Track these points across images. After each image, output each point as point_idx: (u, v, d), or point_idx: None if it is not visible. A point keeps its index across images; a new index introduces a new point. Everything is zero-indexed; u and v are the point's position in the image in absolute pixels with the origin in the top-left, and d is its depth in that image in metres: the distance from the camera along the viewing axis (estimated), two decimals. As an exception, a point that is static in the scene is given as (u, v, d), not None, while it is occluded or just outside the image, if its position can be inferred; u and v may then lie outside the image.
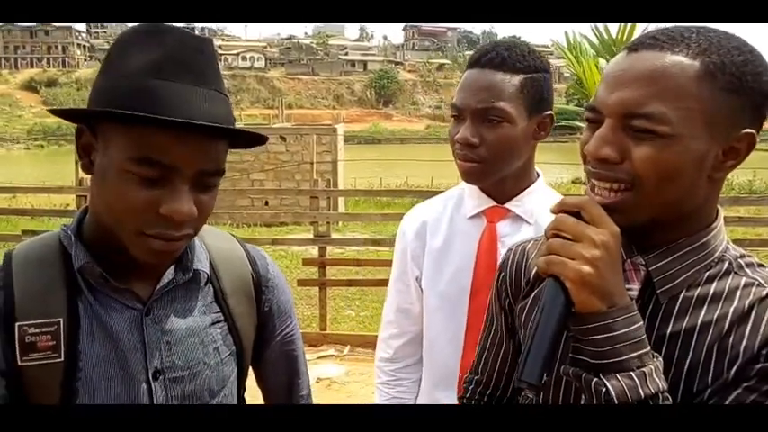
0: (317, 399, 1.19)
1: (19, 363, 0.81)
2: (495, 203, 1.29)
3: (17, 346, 0.82)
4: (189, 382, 0.90)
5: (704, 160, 0.74)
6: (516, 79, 1.20)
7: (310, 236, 5.70)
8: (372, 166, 17.14)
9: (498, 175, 1.24)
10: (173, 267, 0.91)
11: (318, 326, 5.34)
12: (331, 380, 4.49)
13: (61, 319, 0.83)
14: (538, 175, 1.33)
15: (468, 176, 1.25)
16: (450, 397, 1.30)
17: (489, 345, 1.02)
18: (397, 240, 1.42)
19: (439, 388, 1.33)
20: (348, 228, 10.63)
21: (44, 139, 52.60)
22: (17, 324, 0.82)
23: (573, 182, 19.10)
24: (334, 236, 6.29)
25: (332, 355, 4.95)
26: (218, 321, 0.95)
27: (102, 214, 0.84)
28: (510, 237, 1.27)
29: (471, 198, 1.32)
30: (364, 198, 13.49)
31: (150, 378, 0.87)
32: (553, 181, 18.35)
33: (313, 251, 5.91)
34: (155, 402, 0.87)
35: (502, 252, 1.25)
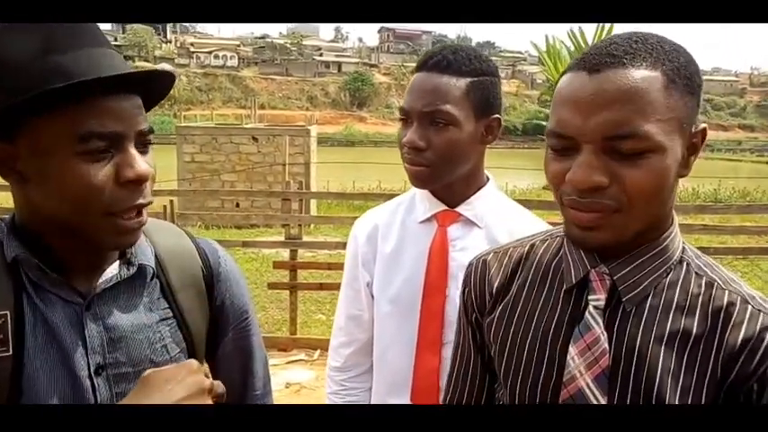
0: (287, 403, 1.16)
1: None
2: (445, 207, 1.29)
3: None
4: (134, 378, 0.86)
5: (678, 165, 0.76)
6: (462, 82, 1.20)
7: (282, 238, 5.65)
8: (345, 169, 17.10)
9: (446, 178, 1.24)
10: (116, 263, 0.88)
11: (289, 330, 5.29)
12: (301, 385, 4.45)
13: (8, 312, 0.80)
14: (488, 179, 1.33)
15: (416, 180, 1.25)
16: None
17: (459, 361, 1.00)
18: (348, 245, 1.41)
19: (392, 395, 1.32)
20: (320, 230, 10.57)
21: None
22: None
23: (544, 188, 19.33)
24: (306, 239, 6.25)
25: (302, 360, 4.90)
26: (167, 318, 0.92)
27: (55, 213, 0.80)
28: (461, 240, 1.27)
29: (422, 202, 1.31)
30: (337, 201, 13.44)
31: (92, 374, 0.84)
32: (525, 187, 18.53)
33: (284, 254, 5.86)
34: (99, 398, 0.84)
35: (453, 255, 1.27)
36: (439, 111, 1.19)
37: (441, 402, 1.06)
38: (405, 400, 1.29)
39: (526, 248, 0.94)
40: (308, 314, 6.11)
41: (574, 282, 0.84)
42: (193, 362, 0.84)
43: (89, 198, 0.78)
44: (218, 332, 1.02)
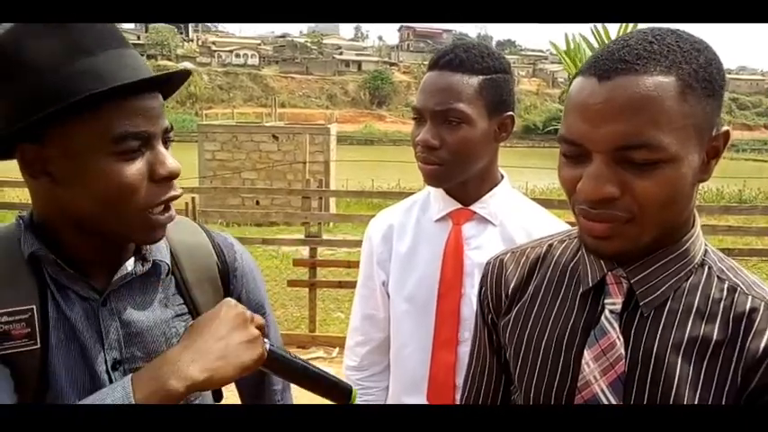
0: (306, 402, 1.17)
1: None
2: (460, 206, 1.29)
3: None
4: None
5: (696, 170, 0.73)
6: (475, 80, 1.20)
7: (301, 236, 5.68)
8: (365, 167, 17.12)
9: (460, 177, 1.24)
10: (131, 259, 0.89)
11: (308, 327, 5.31)
12: (319, 381, 4.46)
13: (34, 306, 0.82)
14: (502, 177, 1.33)
15: (430, 179, 1.25)
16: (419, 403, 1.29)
17: (475, 361, 0.99)
18: (363, 245, 1.41)
19: (408, 393, 1.32)
20: (339, 229, 10.60)
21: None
22: None
23: (564, 187, 19.11)
24: (326, 236, 6.27)
25: (321, 357, 4.92)
26: (182, 314, 0.93)
27: (85, 215, 0.82)
28: (475, 238, 1.27)
29: (437, 201, 1.31)
30: (356, 199, 13.46)
31: (109, 369, 0.86)
32: (545, 186, 18.38)
33: (304, 252, 5.89)
34: None
35: (468, 254, 1.26)
36: (452, 109, 1.19)
37: (458, 402, 1.05)
38: (421, 398, 1.29)
39: (544, 249, 0.93)
40: (327, 312, 6.14)
41: (590, 285, 0.82)
42: (230, 299, 0.87)
43: (125, 196, 0.80)
44: None
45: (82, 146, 0.78)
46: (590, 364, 0.78)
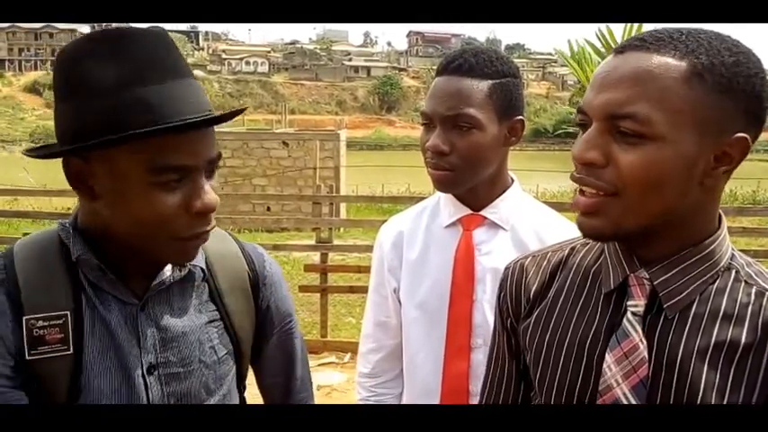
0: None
1: (27, 357, 0.81)
2: (470, 211, 1.28)
3: (25, 339, 0.82)
4: (185, 378, 0.90)
5: (694, 166, 0.71)
6: (484, 85, 1.19)
7: (312, 242, 5.69)
8: (374, 173, 17.15)
9: (471, 182, 1.23)
10: (169, 265, 0.91)
11: (319, 333, 5.31)
12: (332, 387, 4.46)
13: (68, 312, 0.84)
14: (512, 181, 1.32)
15: (441, 185, 1.24)
16: None
17: (493, 367, 0.98)
18: (374, 252, 1.41)
19: (422, 400, 1.31)
20: (350, 234, 10.61)
21: (46, 143, 52.65)
22: (24, 318, 0.82)
23: (576, 190, 19.03)
24: (336, 242, 6.28)
25: (333, 363, 4.92)
26: (215, 320, 0.95)
27: (123, 231, 0.83)
28: (486, 244, 1.26)
29: (447, 207, 1.31)
30: (366, 204, 13.47)
31: (145, 373, 0.87)
32: (556, 190, 18.30)
33: (315, 257, 5.89)
34: (151, 397, 0.87)
35: (479, 259, 1.25)
36: (462, 114, 1.18)
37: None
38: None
39: (566, 252, 0.91)
40: (338, 317, 6.14)
41: (612, 286, 0.80)
42: None
43: (158, 224, 0.81)
44: (263, 335, 1.04)
45: (123, 170, 0.79)
46: (612, 368, 0.77)
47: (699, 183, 0.73)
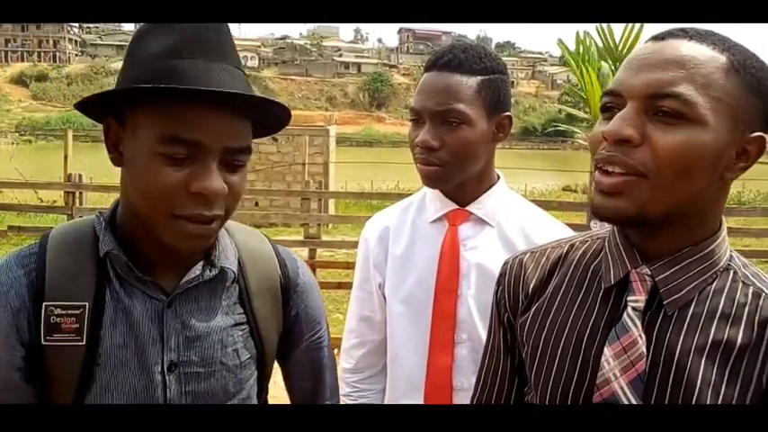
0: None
1: (42, 342, 0.83)
2: (456, 206, 1.28)
3: (42, 325, 0.83)
4: (204, 379, 0.89)
5: (721, 157, 0.73)
6: (473, 81, 1.20)
7: (300, 237, 5.69)
8: (364, 169, 17.14)
9: (459, 178, 1.24)
10: (200, 263, 0.90)
11: (306, 328, 5.31)
12: (318, 383, 4.46)
13: (87, 304, 0.85)
14: (498, 177, 1.32)
15: (430, 180, 1.24)
16: None
17: (488, 362, 0.98)
18: (359, 247, 1.41)
19: (405, 395, 1.31)
20: (338, 230, 10.61)
21: (32, 134, 52.17)
22: (44, 304, 0.84)
23: (564, 189, 19.17)
24: (325, 238, 6.28)
25: (319, 358, 4.91)
26: (241, 323, 0.94)
27: (134, 201, 0.84)
28: (472, 239, 1.27)
29: (433, 202, 1.31)
30: (355, 201, 13.47)
31: (165, 370, 0.87)
32: (544, 188, 18.40)
33: (303, 253, 5.89)
34: (168, 395, 0.87)
35: (465, 255, 1.26)
36: (452, 110, 1.18)
37: (469, 402, 1.04)
38: (418, 400, 1.28)
39: (565, 249, 0.92)
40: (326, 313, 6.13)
41: (613, 282, 0.81)
42: None
43: (156, 196, 0.80)
44: (291, 341, 1.04)
45: (139, 136, 0.81)
46: (610, 362, 0.77)
47: (720, 176, 0.74)
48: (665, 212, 0.74)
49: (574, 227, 1.73)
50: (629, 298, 0.79)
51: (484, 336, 1.24)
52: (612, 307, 0.81)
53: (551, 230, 1.28)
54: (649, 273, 0.78)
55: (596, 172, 0.76)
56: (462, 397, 1.24)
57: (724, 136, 0.72)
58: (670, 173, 0.71)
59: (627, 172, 0.73)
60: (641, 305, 0.77)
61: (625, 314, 0.78)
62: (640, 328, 0.77)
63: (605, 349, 0.78)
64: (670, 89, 0.70)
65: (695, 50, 0.72)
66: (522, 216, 1.30)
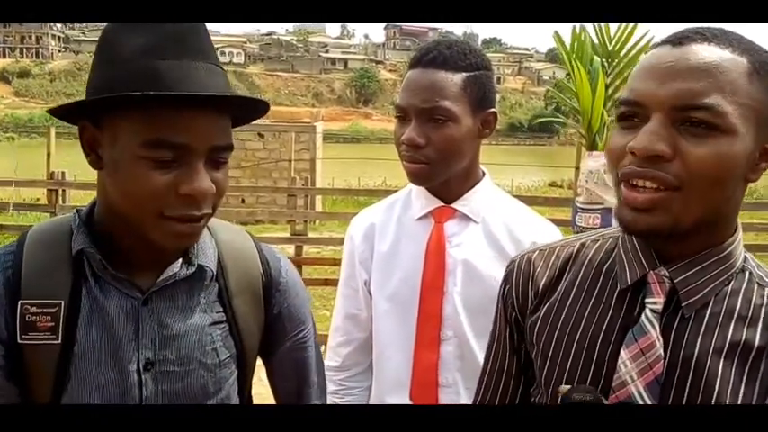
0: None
1: (18, 340, 0.83)
2: (442, 204, 1.28)
3: (18, 323, 0.83)
4: (181, 378, 0.88)
5: (748, 162, 0.72)
6: (459, 77, 1.20)
7: (287, 234, 5.67)
8: (351, 166, 17.12)
9: (445, 174, 1.24)
10: (178, 261, 0.89)
11: (294, 325, 5.30)
12: (305, 380, 4.46)
13: (63, 302, 0.84)
14: (483, 174, 1.33)
15: (416, 178, 1.24)
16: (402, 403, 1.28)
17: (492, 361, 0.96)
18: (344, 244, 1.40)
19: (391, 393, 1.31)
20: (325, 227, 10.59)
21: (15, 132, 51.49)
22: (20, 302, 0.83)
23: (550, 185, 19.28)
24: (311, 235, 6.27)
25: (307, 355, 4.91)
26: (220, 322, 0.93)
27: (117, 202, 0.83)
28: (457, 236, 1.27)
29: (419, 199, 1.31)
30: (342, 197, 13.46)
31: (141, 368, 0.86)
32: (530, 184, 18.49)
33: (289, 250, 5.87)
34: (144, 394, 0.86)
35: (450, 252, 1.26)
36: (438, 107, 1.18)
37: (473, 402, 1.01)
38: (404, 397, 1.28)
39: (576, 247, 0.90)
40: (313, 310, 6.10)
41: (629, 283, 0.79)
42: None
43: (144, 200, 0.80)
44: (274, 340, 1.03)
45: (121, 140, 0.79)
46: (627, 364, 0.76)
47: (745, 178, 0.74)
48: (696, 222, 0.73)
49: (558, 222, 1.74)
50: (647, 300, 0.77)
51: (469, 333, 1.25)
52: (628, 308, 0.79)
53: (535, 227, 1.29)
54: (668, 274, 0.77)
55: (623, 186, 0.74)
56: (448, 393, 1.25)
57: (751, 141, 0.71)
58: (704, 184, 0.70)
59: (659, 187, 0.71)
60: (659, 307, 0.76)
61: (643, 316, 0.77)
62: (659, 329, 0.76)
63: (622, 351, 0.77)
64: (700, 101, 0.68)
65: (718, 55, 0.70)
66: (507, 213, 1.30)
